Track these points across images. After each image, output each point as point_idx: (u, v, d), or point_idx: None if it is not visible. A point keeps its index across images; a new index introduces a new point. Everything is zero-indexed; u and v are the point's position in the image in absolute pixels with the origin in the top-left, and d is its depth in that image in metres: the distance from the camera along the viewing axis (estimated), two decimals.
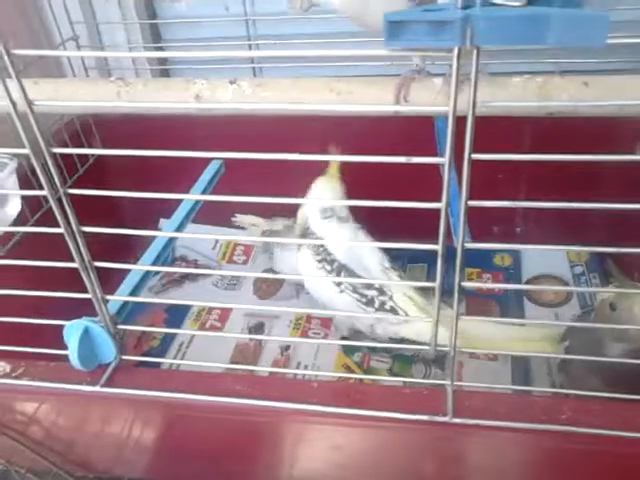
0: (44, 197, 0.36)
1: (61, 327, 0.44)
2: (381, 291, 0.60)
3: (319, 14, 0.71)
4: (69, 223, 0.38)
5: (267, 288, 0.78)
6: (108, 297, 0.43)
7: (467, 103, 0.29)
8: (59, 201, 0.37)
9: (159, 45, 0.87)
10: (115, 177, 0.76)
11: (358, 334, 0.65)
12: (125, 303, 0.47)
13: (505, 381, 0.61)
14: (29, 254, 0.41)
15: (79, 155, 0.74)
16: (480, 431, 0.39)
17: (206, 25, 0.82)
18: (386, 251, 0.64)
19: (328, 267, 0.62)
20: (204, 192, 0.64)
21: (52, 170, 0.35)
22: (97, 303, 0.42)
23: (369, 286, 0.61)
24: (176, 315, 0.74)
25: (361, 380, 0.62)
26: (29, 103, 0.33)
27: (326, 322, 0.72)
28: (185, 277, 0.80)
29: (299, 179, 0.61)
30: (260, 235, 0.78)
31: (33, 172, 0.36)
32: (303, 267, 0.65)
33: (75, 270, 0.40)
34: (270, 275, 0.62)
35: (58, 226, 0.38)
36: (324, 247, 0.63)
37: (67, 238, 0.38)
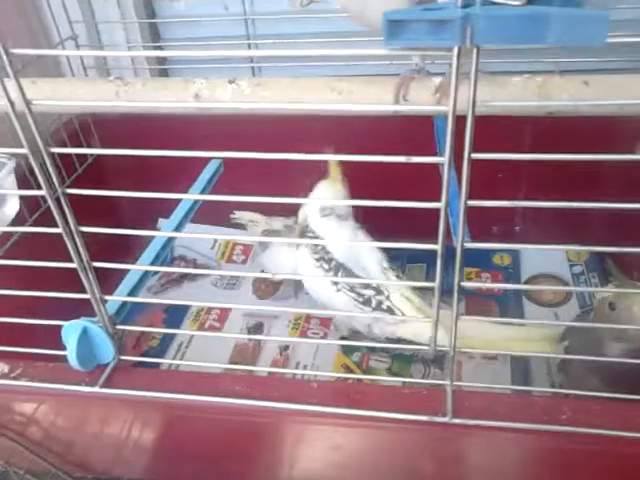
0: (42, 197, 0.36)
1: (59, 327, 0.44)
2: (378, 291, 0.60)
3: (318, 13, 0.71)
4: (67, 223, 0.37)
5: (266, 288, 0.78)
6: (107, 297, 0.43)
7: (467, 102, 0.29)
8: (57, 201, 0.36)
9: (158, 44, 0.86)
10: (114, 176, 0.76)
11: (357, 334, 0.65)
12: (124, 303, 0.47)
13: (505, 381, 0.61)
14: (27, 254, 0.41)
15: (78, 154, 0.74)
16: (480, 431, 0.39)
17: (205, 24, 0.82)
18: (385, 251, 0.64)
19: (326, 266, 0.62)
20: (203, 192, 0.63)
21: (50, 170, 0.35)
22: (95, 303, 0.42)
23: (366, 285, 0.61)
24: (175, 315, 0.74)
25: (360, 380, 0.62)
26: (27, 103, 0.32)
27: (325, 322, 0.72)
28: (184, 277, 0.80)
29: (298, 179, 0.60)
30: (260, 235, 0.77)
31: (31, 172, 0.36)
32: (301, 265, 0.65)
33: (73, 270, 0.40)
34: (268, 275, 0.62)
35: (56, 226, 0.37)
36: (322, 246, 0.63)
37: (65, 238, 0.38)
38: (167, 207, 0.62)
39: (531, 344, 0.56)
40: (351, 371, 0.65)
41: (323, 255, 0.63)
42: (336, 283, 0.61)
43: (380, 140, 0.57)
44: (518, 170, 0.74)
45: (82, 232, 0.38)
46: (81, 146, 0.76)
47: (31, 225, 0.63)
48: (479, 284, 0.74)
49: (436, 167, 0.33)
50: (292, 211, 0.71)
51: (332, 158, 0.60)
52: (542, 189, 0.61)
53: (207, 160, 0.67)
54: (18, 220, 0.60)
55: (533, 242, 0.39)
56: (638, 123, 0.60)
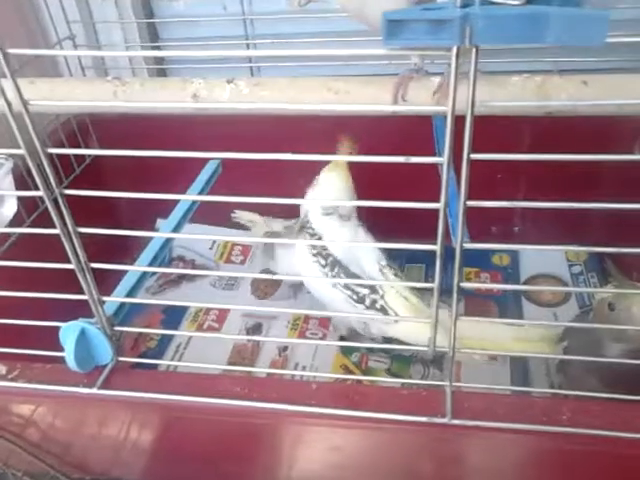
0: (40, 198, 0.36)
1: (57, 329, 0.44)
2: (373, 289, 0.60)
3: (317, 13, 0.71)
4: (65, 224, 0.37)
5: (265, 288, 0.78)
6: (104, 298, 0.43)
7: (466, 102, 0.29)
8: (55, 202, 0.36)
9: (156, 44, 0.86)
10: (112, 177, 0.76)
11: (356, 333, 0.65)
12: (122, 304, 0.47)
13: (504, 382, 0.61)
14: (25, 255, 0.41)
15: (76, 155, 0.73)
16: (479, 432, 0.39)
17: (204, 24, 0.82)
18: (384, 249, 0.64)
19: (322, 261, 0.62)
20: (201, 192, 0.63)
21: (48, 171, 0.35)
22: (93, 304, 0.42)
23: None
24: (173, 316, 0.74)
25: (359, 381, 0.62)
26: (24, 103, 0.32)
27: (324, 322, 0.71)
28: (182, 277, 0.80)
29: (297, 179, 0.60)
30: (261, 236, 0.77)
31: (29, 172, 0.36)
32: (299, 260, 0.64)
33: (71, 271, 0.40)
34: (266, 276, 0.62)
35: (54, 227, 0.37)
36: (321, 241, 0.63)
37: (63, 239, 0.38)
38: (165, 207, 0.62)
39: (530, 345, 0.56)
40: (350, 372, 0.65)
41: (320, 251, 0.62)
42: (332, 278, 0.61)
43: (380, 140, 0.57)
44: (517, 170, 0.74)
45: (80, 233, 0.38)
46: (79, 146, 0.76)
47: (29, 226, 0.63)
48: (478, 285, 0.74)
49: (435, 167, 0.33)
50: (291, 212, 0.71)
51: (332, 158, 0.60)
52: (541, 189, 0.61)
53: (206, 160, 0.67)
54: (16, 221, 0.59)
55: (532, 242, 0.39)
56: (637, 123, 0.61)
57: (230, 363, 0.67)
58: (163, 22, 0.86)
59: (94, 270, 0.40)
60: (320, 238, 0.63)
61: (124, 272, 0.51)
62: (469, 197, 0.32)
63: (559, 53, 0.66)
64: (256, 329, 0.72)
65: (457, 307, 0.37)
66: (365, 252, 0.63)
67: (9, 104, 0.32)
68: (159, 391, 0.43)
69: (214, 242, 0.85)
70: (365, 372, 0.65)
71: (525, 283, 0.75)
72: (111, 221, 0.77)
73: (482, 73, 0.30)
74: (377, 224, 0.64)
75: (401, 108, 0.40)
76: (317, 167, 0.63)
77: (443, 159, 0.31)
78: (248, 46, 0.78)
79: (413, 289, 0.61)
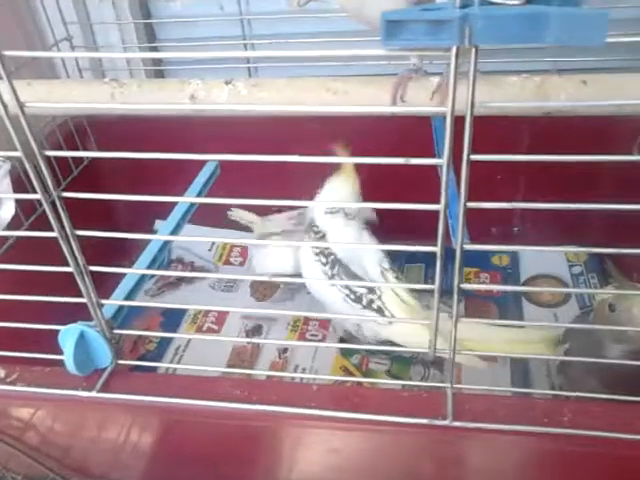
0: (38, 200, 0.36)
1: (56, 332, 0.44)
2: (371, 290, 0.60)
3: (316, 13, 0.71)
4: (63, 226, 0.37)
5: (264, 290, 0.78)
6: (103, 301, 0.42)
7: (465, 103, 0.28)
8: (53, 204, 0.36)
9: (154, 45, 0.86)
10: (110, 178, 0.76)
11: (350, 335, 0.65)
12: (121, 307, 0.47)
13: (504, 383, 0.61)
14: (23, 258, 0.40)
15: (73, 156, 0.73)
16: (481, 434, 0.39)
17: (201, 25, 0.82)
18: (386, 251, 0.64)
19: (324, 259, 0.62)
20: (200, 194, 0.63)
21: (45, 173, 0.35)
22: (92, 307, 0.42)
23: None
24: (172, 318, 0.74)
25: (360, 383, 0.62)
26: (21, 105, 0.32)
27: (324, 324, 0.71)
28: (181, 279, 0.80)
29: (297, 179, 0.60)
30: (260, 237, 0.77)
31: (27, 174, 0.35)
32: (302, 257, 0.64)
33: (70, 274, 0.39)
34: (266, 278, 0.62)
35: (52, 229, 0.37)
36: (324, 241, 0.63)
37: (61, 242, 0.38)
38: (164, 209, 0.62)
39: (529, 346, 0.56)
40: (350, 373, 0.65)
41: (323, 250, 0.62)
42: (331, 277, 0.61)
43: (379, 140, 0.57)
44: (516, 171, 0.74)
45: (78, 235, 0.38)
46: (77, 148, 0.76)
47: (27, 228, 0.63)
48: (479, 286, 0.74)
49: (435, 167, 0.33)
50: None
51: (331, 160, 0.60)
52: (541, 189, 0.61)
53: (204, 162, 0.67)
54: (14, 223, 0.59)
55: (532, 243, 0.39)
56: (637, 123, 0.60)
57: (230, 365, 0.67)
58: (160, 23, 0.86)
59: (93, 273, 0.40)
60: (324, 236, 0.63)
61: (123, 274, 0.51)
62: (469, 198, 0.32)
63: (558, 53, 0.66)
64: (256, 331, 0.72)
65: (458, 308, 0.37)
66: (368, 254, 0.63)
67: (5, 106, 0.32)
68: (158, 394, 0.42)
69: (213, 244, 0.85)
70: (365, 374, 0.65)
71: (525, 283, 0.75)
72: (109, 223, 0.77)
73: (481, 73, 0.30)
74: (378, 224, 0.64)
75: (400, 109, 0.40)
76: (316, 167, 0.63)
77: (443, 161, 0.31)
78: (246, 46, 0.78)
79: (412, 291, 0.61)
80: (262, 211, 0.76)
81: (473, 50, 0.27)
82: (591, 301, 0.70)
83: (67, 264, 0.39)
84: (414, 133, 0.53)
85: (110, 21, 0.82)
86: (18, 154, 0.34)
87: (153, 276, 0.78)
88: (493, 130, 0.44)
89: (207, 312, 0.75)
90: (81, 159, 0.75)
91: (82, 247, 0.38)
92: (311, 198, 0.62)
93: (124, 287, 0.49)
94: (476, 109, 0.29)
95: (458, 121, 0.29)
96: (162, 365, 0.67)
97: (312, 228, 0.64)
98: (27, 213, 0.64)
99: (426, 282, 0.75)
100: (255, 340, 0.70)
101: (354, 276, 0.61)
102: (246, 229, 0.77)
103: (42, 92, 0.44)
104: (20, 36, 0.78)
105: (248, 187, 0.49)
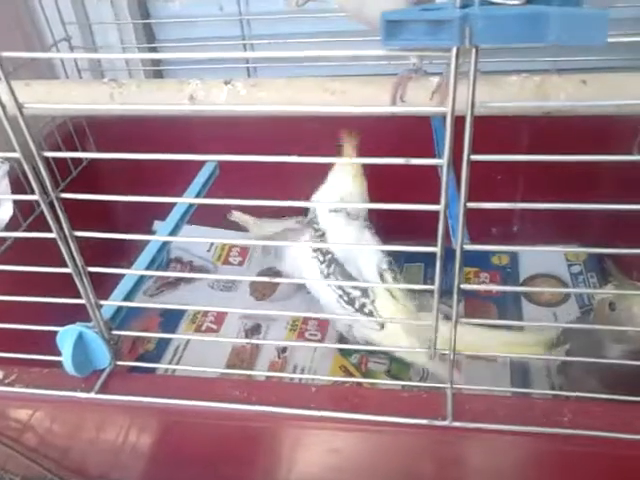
0: (36, 201, 0.36)
1: (55, 333, 0.43)
2: (365, 293, 0.60)
3: (315, 13, 0.70)
4: (61, 227, 0.37)
5: (264, 289, 0.77)
6: (102, 302, 0.42)
7: (465, 103, 0.28)
8: (51, 205, 0.36)
9: (153, 45, 0.86)
10: (109, 179, 0.76)
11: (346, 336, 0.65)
12: (119, 308, 0.47)
13: (504, 383, 0.60)
14: (21, 259, 0.40)
15: (72, 157, 0.73)
16: (480, 434, 0.39)
17: (200, 25, 0.82)
18: (387, 251, 0.63)
19: (321, 257, 0.61)
20: (198, 194, 0.63)
21: (43, 174, 0.34)
22: (91, 308, 0.42)
23: (354, 285, 0.60)
24: (171, 318, 0.74)
25: (359, 383, 0.62)
26: (19, 106, 0.32)
27: (323, 323, 0.71)
28: (180, 279, 0.80)
29: (296, 180, 0.60)
30: (259, 237, 0.77)
31: (25, 175, 0.35)
32: (300, 254, 0.64)
33: (68, 274, 0.39)
34: (263, 279, 0.62)
35: (51, 230, 0.37)
36: (323, 239, 0.62)
37: (59, 243, 0.37)
38: (163, 209, 0.62)
39: (525, 349, 0.55)
40: (350, 373, 0.65)
41: (321, 247, 0.62)
42: (327, 277, 0.61)
43: (378, 141, 0.57)
44: (516, 171, 0.74)
45: (76, 236, 0.38)
46: (76, 149, 0.76)
47: (26, 229, 0.63)
48: (479, 286, 0.74)
49: (435, 167, 0.33)
50: (289, 213, 0.71)
51: (330, 160, 0.60)
52: (540, 189, 0.60)
53: (203, 162, 0.67)
54: (12, 224, 0.59)
55: (532, 242, 0.39)
56: (637, 123, 0.60)
57: (229, 365, 0.67)
58: (159, 23, 0.86)
59: (91, 274, 0.40)
60: (324, 234, 0.63)
61: (121, 275, 0.51)
62: (469, 198, 0.32)
63: (558, 52, 0.66)
64: (255, 330, 0.72)
65: (457, 309, 0.37)
66: (366, 254, 0.62)
67: (3, 107, 0.32)
68: (157, 395, 0.42)
69: (212, 244, 0.85)
70: (365, 374, 0.65)
71: (524, 283, 0.75)
72: (108, 223, 0.77)
73: (481, 73, 0.29)
74: (378, 223, 0.63)
75: (400, 109, 0.40)
76: (316, 168, 0.63)
77: (443, 161, 0.31)
78: (245, 46, 0.78)
79: (409, 291, 0.61)
80: (262, 212, 0.76)
81: (473, 50, 0.27)
82: (590, 300, 0.70)
83: (65, 265, 0.39)
84: (414, 133, 0.53)
85: (109, 21, 0.82)
86: (17, 155, 0.34)
87: (152, 276, 0.78)
88: (493, 130, 0.44)
89: (206, 312, 0.75)
90: (80, 160, 0.75)
91: (81, 248, 0.38)
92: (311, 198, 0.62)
93: (123, 288, 0.49)
94: (476, 109, 0.29)
95: (458, 121, 0.29)
96: (161, 366, 0.66)
97: (312, 225, 0.64)
98: (25, 214, 0.63)
99: (425, 282, 0.75)
100: (254, 341, 0.70)
101: (349, 276, 0.60)
102: (245, 229, 0.77)
103: (41, 93, 0.44)
104: (19, 36, 0.78)
105: (247, 187, 0.49)
